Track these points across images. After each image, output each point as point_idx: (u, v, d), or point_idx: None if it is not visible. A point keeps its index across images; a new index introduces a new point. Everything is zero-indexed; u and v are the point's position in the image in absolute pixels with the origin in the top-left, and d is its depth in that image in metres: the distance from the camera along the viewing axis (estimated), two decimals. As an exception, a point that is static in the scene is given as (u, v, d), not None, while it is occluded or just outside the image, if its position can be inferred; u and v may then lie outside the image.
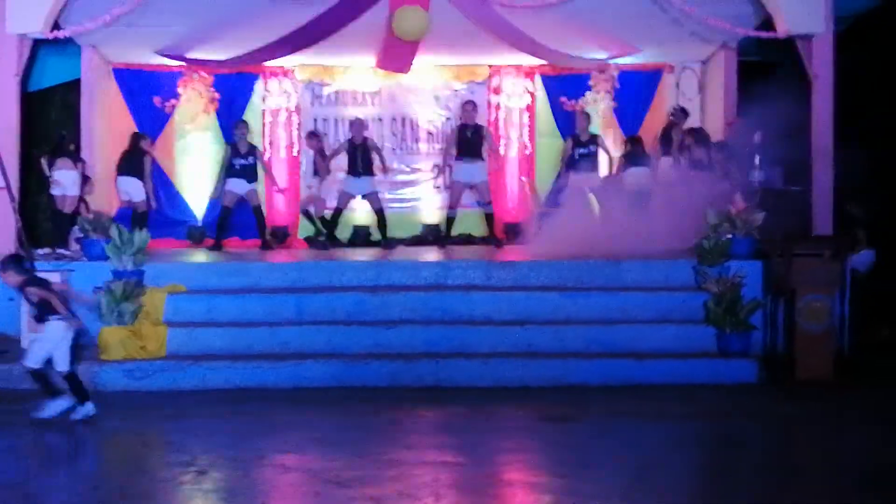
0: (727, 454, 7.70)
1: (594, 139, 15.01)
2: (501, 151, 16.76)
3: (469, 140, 14.44)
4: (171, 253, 14.16)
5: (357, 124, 15.01)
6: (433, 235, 15.68)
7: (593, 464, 7.15)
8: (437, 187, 16.59)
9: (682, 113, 14.88)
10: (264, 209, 15.50)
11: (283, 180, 16.70)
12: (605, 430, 8.25)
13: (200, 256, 13.20)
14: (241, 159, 14.73)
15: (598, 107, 16.40)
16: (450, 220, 14.70)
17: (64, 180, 14.03)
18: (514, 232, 16.55)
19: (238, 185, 14.68)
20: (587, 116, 15.18)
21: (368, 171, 14.68)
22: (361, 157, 14.64)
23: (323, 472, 6.76)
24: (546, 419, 8.55)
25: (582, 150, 14.80)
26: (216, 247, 14.37)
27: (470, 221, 16.01)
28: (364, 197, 14.85)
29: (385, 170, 15.01)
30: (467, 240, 16.20)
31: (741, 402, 9.30)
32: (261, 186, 15.41)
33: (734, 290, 10.46)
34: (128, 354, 9.96)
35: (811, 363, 10.16)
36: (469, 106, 14.79)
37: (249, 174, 14.77)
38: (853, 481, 6.85)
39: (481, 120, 16.21)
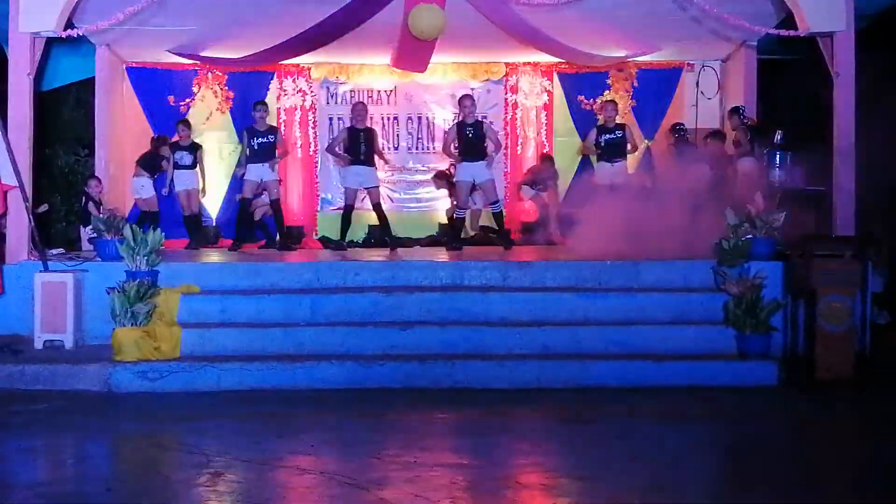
0: (747, 456, 7.59)
1: (621, 126, 14.82)
2: (518, 151, 16.71)
3: (469, 139, 13.86)
4: (185, 253, 14.13)
5: (359, 108, 14.56)
6: (448, 236, 15.43)
7: (611, 466, 7.05)
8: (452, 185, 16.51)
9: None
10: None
11: (299, 180, 16.70)
12: (623, 432, 8.16)
13: (215, 257, 13.12)
14: (259, 137, 14.39)
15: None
16: (459, 221, 14.40)
17: (134, 185, 14.50)
18: (530, 230, 16.52)
19: (257, 171, 14.34)
20: (614, 105, 15.02)
21: (371, 160, 14.26)
22: (365, 143, 14.17)
23: (338, 474, 6.70)
24: (563, 421, 8.48)
25: (609, 137, 14.59)
26: (236, 245, 14.23)
27: (486, 221, 15.95)
28: (366, 189, 14.44)
29: (383, 158, 14.81)
30: (483, 239, 16.14)
31: (761, 403, 9.22)
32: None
33: (754, 291, 10.36)
34: (142, 355, 9.89)
35: (832, 364, 10.04)
36: (467, 101, 14.09)
37: (268, 153, 14.38)
38: (875, 484, 6.75)
39: (498, 120, 16.21)
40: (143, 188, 15.14)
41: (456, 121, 14.70)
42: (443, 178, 16.35)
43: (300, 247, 15.47)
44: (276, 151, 14.61)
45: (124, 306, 10.09)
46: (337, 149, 14.51)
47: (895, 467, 7.14)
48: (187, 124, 15.50)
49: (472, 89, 16.87)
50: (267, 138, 14.42)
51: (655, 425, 8.42)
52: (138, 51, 15.70)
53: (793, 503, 6.31)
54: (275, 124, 15.35)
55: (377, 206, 14.33)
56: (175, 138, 15.37)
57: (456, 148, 14.03)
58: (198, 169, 15.36)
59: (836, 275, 10.19)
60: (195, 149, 15.42)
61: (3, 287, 11.08)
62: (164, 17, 13.21)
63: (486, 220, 15.67)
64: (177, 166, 15.21)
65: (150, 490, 6.50)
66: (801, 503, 6.32)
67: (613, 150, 14.56)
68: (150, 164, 15.22)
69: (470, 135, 13.85)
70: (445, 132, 15.04)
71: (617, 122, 14.92)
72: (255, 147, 14.34)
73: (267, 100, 16.42)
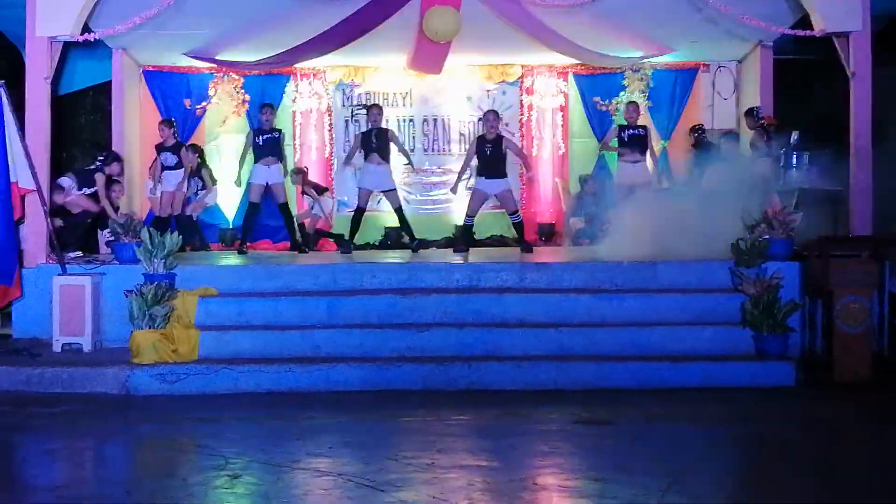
0: (765, 458, 7.58)
1: (643, 126, 14.71)
2: (534, 152, 16.67)
3: (487, 158, 13.63)
4: (202, 256, 14.16)
5: (375, 110, 14.35)
6: (462, 238, 15.18)
7: (629, 468, 7.04)
8: (469, 189, 16.43)
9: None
10: (295, 211, 15.39)
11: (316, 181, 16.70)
12: (640, 434, 8.14)
13: (231, 259, 13.12)
14: (264, 134, 14.20)
15: (632, 106, 16.34)
16: (468, 228, 14.25)
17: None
18: (547, 233, 16.52)
19: (263, 173, 14.17)
20: (636, 106, 14.88)
21: (385, 158, 14.04)
22: (377, 143, 13.96)
23: (356, 476, 6.70)
24: (580, 422, 8.46)
25: (632, 132, 14.45)
26: (241, 249, 14.09)
27: (502, 223, 15.96)
28: (383, 193, 14.41)
29: (409, 160, 14.62)
30: (499, 241, 16.16)
31: (779, 404, 9.19)
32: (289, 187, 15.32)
33: (772, 292, 10.33)
34: (160, 358, 9.92)
35: (849, 365, 10.01)
36: (490, 116, 13.89)
37: (273, 149, 14.16)
38: (893, 484, 6.72)
39: (514, 121, 16.17)
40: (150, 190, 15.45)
41: (478, 135, 14.41)
42: (308, 185, 16.33)
43: (316, 249, 15.47)
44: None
45: (142, 309, 10.11)
46: (350, 157, 14.59)
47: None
48: (169, 124, 15.38)
49: (488, 91, 16.94)
50: (273, 135, 14.23)
51: (673, 426, 8.40)
52: (155, 54, 15.76)
53: (811, 504, 6.30)
54: (280, 127, 15.01)
55: (398, 210, 14.23)
56: (159, 140, 15.29)
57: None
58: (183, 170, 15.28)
59: (853, 275, 10.16)
60: (179, 148, 15.35)
61: (22, 290, 11.12)
62: (180, 20, 13.24)
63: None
64: (162, 167, 15.19)
65: (169, 492, 6.50)
66: (820, 504, 6.32)
67: (636, 146, 14.43)
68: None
69: (488, 152, 13.62)
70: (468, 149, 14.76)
71: (639, 122, 14.85)
72: (260, 143, 14.16)
73: (283, 103, 16.49)
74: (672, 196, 13.27)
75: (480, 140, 13.85)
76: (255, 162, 14.27)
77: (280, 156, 14.36)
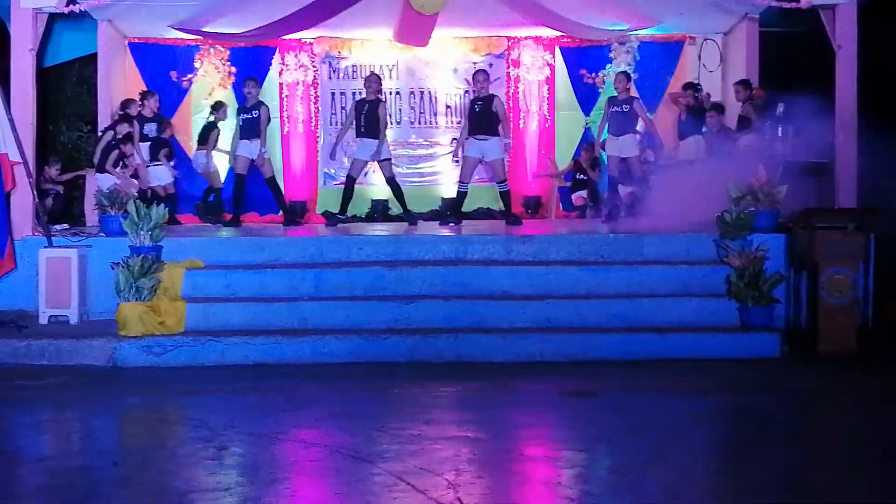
0: (749, 428, 7.62)
1: (629, 100, 14.01)
2: (521, 125, 16.64)
3: (478, 114, 13.41)
4: (188, 228, 14.14)
5: (372, 79, 14.12)
6: (449, 210, 15.03)
7: (614, 438, 7.08)
8: (456, 161, 16.41)
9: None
10: (281, 183, 15.34)
11: (301, 155, 16.67)
12: (625, 405, 8.17)
13: (218, 232, 13.12)
14: (244, 114, 14.15)
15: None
16: (461, 195, 13.93)
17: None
18: (533, 205, 16.54)
19: (245, 147, 14.06)
20: (623, 76, 14.28)
21: (373, 132, 13.67)
22: (367, 116, 13.66)
23: (343, 448, 6.72)
24: (566, 394, 8.49)
25: (615, 109, 13.89)
26: (234, 221, 14.19)
27: (488, 196, 15.96)
28: (378, 163, 14.00)
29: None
30: (486, 214, 16.17)
31: (763, 375, 9.23)
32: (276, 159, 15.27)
33: (757, 264, 10.37)
34: (146, 330, 9.92)
35: (834, 336, 10.07)
36: (480, 76, 13.69)
37: (250, 130, 14.02)
38: (877, 455, 6.76)
39: (500, 93, 16.08)
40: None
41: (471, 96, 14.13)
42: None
43: (304, 221, 15.47)
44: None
45: (129, 281, 10.12)
46: (343, 133, 14.38)
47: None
48: (150, 95, 15.04)
49: (475, 63, 16.85)
50: (251, 114, 14.08)
51: (658, 398, 8.43)
52: (140, 26, 15.69)
53: (795, 475, 6.32)
54: (263, 100, 14.61)
55: (390, 181, 14.00)
56: (138, 109, 14.76)
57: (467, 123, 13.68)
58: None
59: (838, 247, 10.21)
60: (162, 119, 15.10)
61: (16, 262, 11.06)
62: (166, -9, 13.22)
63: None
64: (145, 139, 14.70)
65: (156, 464, 6.52)
66: (803, 475, 6.34)
67: (618, 123, 13.90)
68: None
69: (478, 109, 13.46)
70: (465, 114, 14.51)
71: (630, 94, 14.22)
72: (241, 123, 14.17)
73: (269, 75, 16.43)
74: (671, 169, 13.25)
75: (471, 101, 13.73)
76: (240, 138, 14.20)
77: (257, 134, 14.09)
